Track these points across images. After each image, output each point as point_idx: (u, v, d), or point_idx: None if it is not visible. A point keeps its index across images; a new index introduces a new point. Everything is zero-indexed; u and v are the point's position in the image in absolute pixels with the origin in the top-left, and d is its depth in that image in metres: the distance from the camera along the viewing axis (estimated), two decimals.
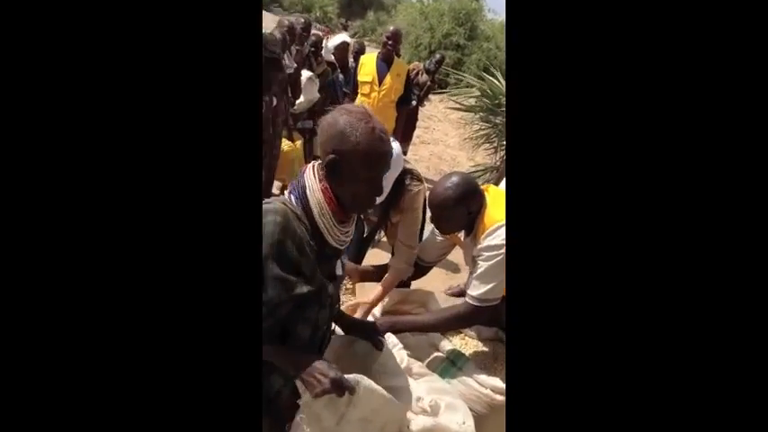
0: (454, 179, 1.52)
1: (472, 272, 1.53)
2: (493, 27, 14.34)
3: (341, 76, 4.25)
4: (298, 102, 3.88)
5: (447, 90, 6.05)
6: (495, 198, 1.55)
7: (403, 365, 1.33)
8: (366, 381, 1.03)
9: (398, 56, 4.14)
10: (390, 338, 1.42)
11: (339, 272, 1.15)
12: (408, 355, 1.43)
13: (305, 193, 1.03)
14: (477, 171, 4.77)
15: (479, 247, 1.49)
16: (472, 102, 5.41)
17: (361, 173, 1.00)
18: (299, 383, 1.00)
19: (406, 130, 4.05)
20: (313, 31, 4.36)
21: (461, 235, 1.64)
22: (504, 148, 4.91)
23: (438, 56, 5.73)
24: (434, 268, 1.92)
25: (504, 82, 5.66)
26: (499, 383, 1.49)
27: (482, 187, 1.61)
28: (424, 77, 5.33)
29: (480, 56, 12.72)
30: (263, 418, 0.98)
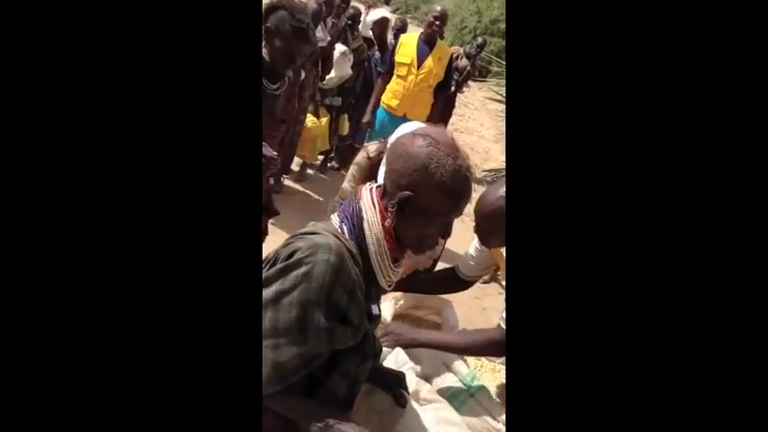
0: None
1: None
2: None
3: (377, 54, 3.96)
4: (328, 77, 3.62)
5: (488, 79, 5.73)
6: None
7: (411, 388, 1.22)
8: None
9: (442, 38, 3.83)
10: (400, 355, 1.33)
11: (376, 311, 0.98)
12: (418, 374, 1.35)
13: (361, 225, 0.88)
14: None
15: None
16: None
17: (437, 214, 0.87)
18: None
19: (442, 116, 3.75)
20: (353, 3, 4.06)
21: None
22: None
23: (480, 40, 5.41)
24: None
25: None
26: None
27: None
28: (463, 62, 5.02)
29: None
30: None
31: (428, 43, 3.34)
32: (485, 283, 3.14)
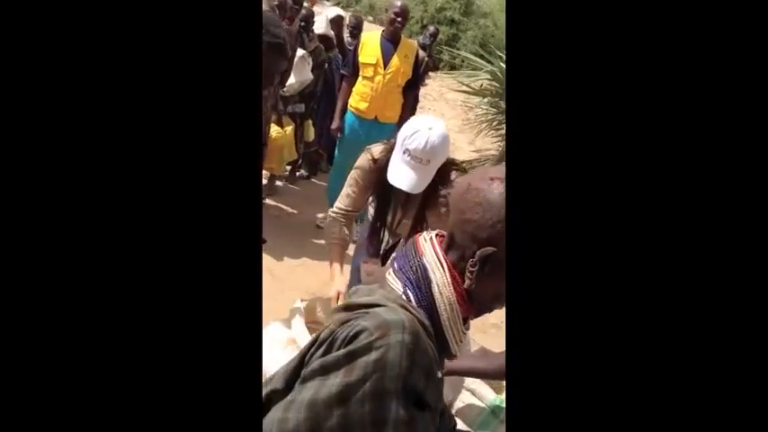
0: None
1: None
2: (489, 2, 13.78)
3: (338, 56, 3.80)
4: (288, 83, 3.44)
5: (451, 70, 5.64)
6: None
7: None
8: None
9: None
10: None
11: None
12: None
13: (430, 289, 0.76)
14: (479, 158, 4.49)
15: None
16: (479, 83, 5.06)
17: None
18: None
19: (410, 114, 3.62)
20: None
21: None
22: None
23: (432, 29, 5.31)
24: None
25: None
26: None
27: None
28: (421, 54, 4.91)
29: (477, 32, 12.22)
30: None
31: (392, 41, 3.20)
32: None
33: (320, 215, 3.63)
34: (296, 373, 0.74)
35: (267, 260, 2.90)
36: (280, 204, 3.77)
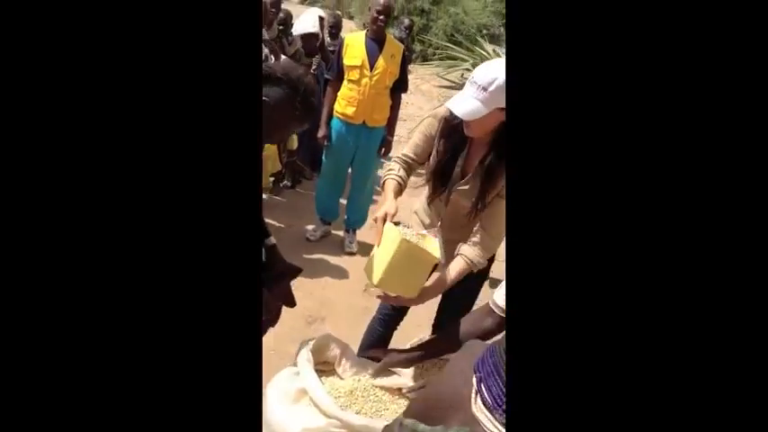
0: None
1: None
2: None
3: (321, 61, 3.61)
4: None
5: (424, 61, 5.47)
6: None
7: None
8: None
9: None
10: None
11: None
12: None
13: None
14: None
15: None
16: (458, 73, 4.91)
17: None
18: None
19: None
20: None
21: None
22: None
23: (406, 21, 5.14)
24: None
25: (490, 50, 5.22)
26: None
27: None
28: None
29: (447, 21, 12.07)
30: None
31: (376, 41, 3.02)
32: None
33: (310, 227, 3.45)
34: None
35: None
36: (267, 219, 3.57)
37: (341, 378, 1.45)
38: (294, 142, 3.76)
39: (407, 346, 1.51)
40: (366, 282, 3.02)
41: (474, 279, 1.69)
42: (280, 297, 1.51)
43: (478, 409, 0.69)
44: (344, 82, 3.06)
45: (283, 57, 3.27)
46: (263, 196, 3.84)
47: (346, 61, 3.01)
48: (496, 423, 0.67)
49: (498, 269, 3.15)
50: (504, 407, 0.70)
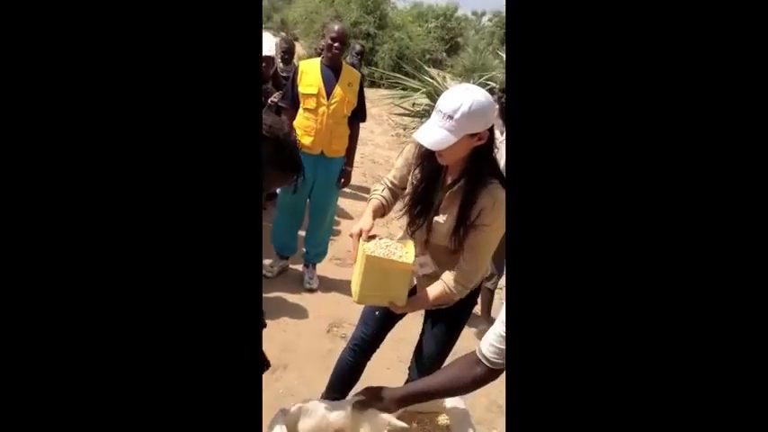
0: None
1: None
2: (402, 15, 13.82)
3: (271, 87, 3.46)
4: None
5: (371, 86, 5.45)
6: None
7: None
8: None
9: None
10: None
11: None
12: None
13: None
14: None
15: None
16: (414, 102, 4.91)
17: None
18: None
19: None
20: None
21: None
22: None
23: (357, 46, 5.11)
24: None
25: (435, 74, 5.28)
26: None
27: None
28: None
29: (392, 45, 12.19)
30: None
31: (332, 68, 2.91)
32: None
33: (267, 262, 3.26)
34: None
35: None
36: None
37: None
38: None
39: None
40: (330, 322, 2.86)
41: (456, 311, 1.66)
42: None
43: None
44: (300, 111, 2.93)
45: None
46: None
47: (302, 89, 2.89)
48: None
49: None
50: None
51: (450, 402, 1.39)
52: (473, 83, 7.71)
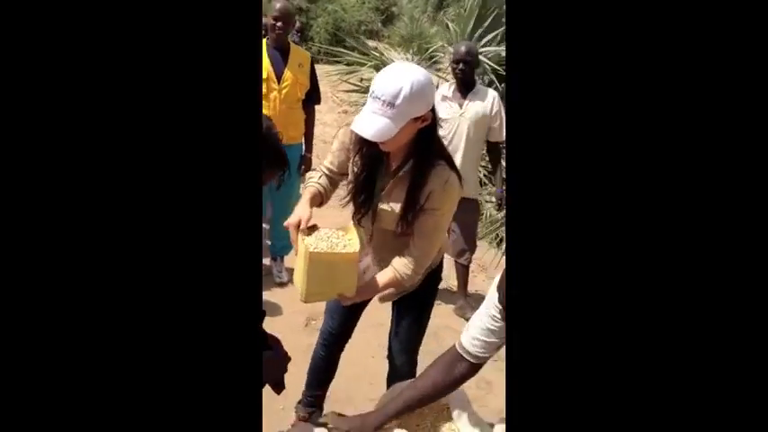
0: None
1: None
2: None
3: None
4: None
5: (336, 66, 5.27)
6: None
7: None
8: None
9: None
10: None
11: None
12: None
13: None
14: None
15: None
16: (360, 77, 4.78)
17: None
18: None
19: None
20: None
21: None
22: None
23: (297, 24, 4.92)
24: None
25: (380, 48, 5.15)
26: None
27: None
28: None
29: (327, 19, 11.86)
30: None
31: (280, 49, 2.75)
32: None
33: None
34: None
35: None
36: None
37: None
38: None
39: (378, 401, 1.36)
40: (307, 316, 2.77)
41: (423, 293, 1.63)
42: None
43: None
44: None
45: None
46: None
47: None
48: None
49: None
50: None
51: None
52: (413, 53, 7.62)
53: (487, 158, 3.26)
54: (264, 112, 2.75)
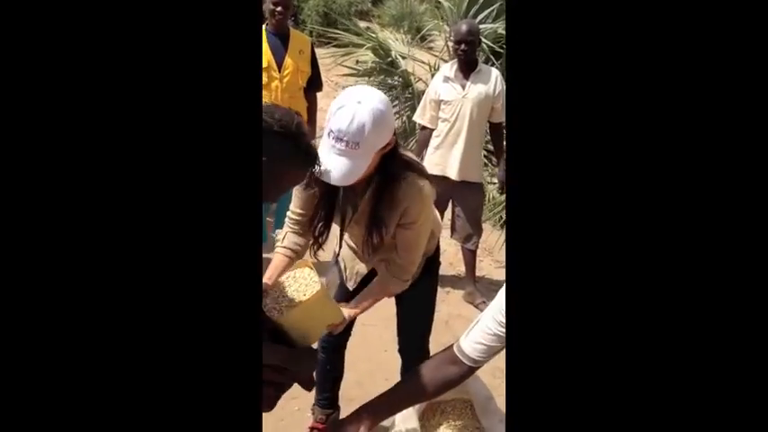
0: None
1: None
2: None
3: None
4: None
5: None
6: None
7: None
8: None
9: None
10: None
11: None
12: None
13: None
14: None
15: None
16: (363, 62, 4.71)
17: None
18: None
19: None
20: None
21: None
22: (407, 113, 4.32)
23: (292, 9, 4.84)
24: None
25: (363, 27, 5.06)
26: None
27: None
28: None
29: (317, 1, 11.68)
30: None
31: (279, 35, 2.69)
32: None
33: None
34: None
35: None
36: None
37: None
38: None
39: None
40: None
41: (424, 285, 1.62)
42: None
43: None
44: None
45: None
46: None
47: None
48: None
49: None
50: None
51: (472, 386, 1.33)
52: (404, 32, 7.48)
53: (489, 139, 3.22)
54: (266, 102, 2.71)
